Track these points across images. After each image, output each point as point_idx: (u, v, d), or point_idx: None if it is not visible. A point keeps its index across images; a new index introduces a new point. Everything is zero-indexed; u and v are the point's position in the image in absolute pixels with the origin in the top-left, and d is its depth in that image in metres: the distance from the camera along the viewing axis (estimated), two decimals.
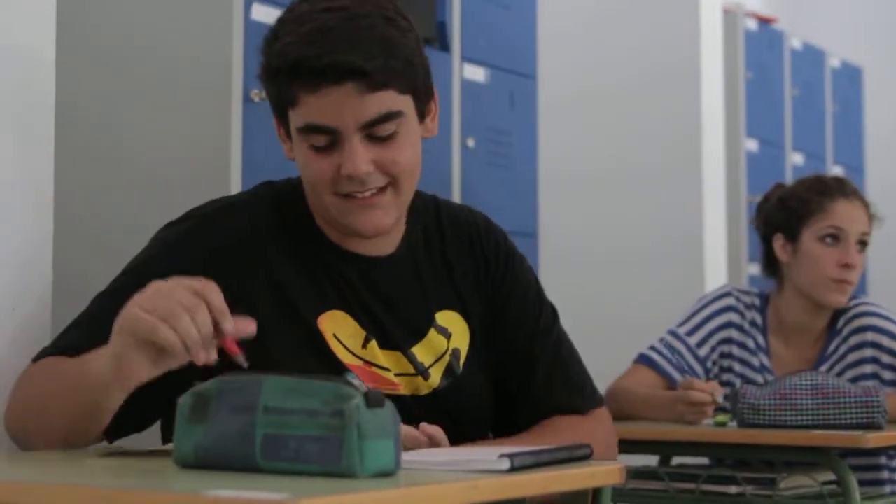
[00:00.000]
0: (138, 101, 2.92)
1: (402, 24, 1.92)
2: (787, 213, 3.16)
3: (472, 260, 2.09)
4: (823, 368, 3.10)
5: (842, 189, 3.15)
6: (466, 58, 3.52)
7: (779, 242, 3.17)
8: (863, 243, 3.15)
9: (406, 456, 1.57)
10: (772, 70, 5.37)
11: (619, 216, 4.77)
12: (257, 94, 2.84)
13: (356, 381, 1.50)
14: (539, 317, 2.11)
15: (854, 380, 3.06)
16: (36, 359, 1.91)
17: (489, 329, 2.08)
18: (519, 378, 2.07)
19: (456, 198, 3.38)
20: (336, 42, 1.86)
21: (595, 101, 4.84)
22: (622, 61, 4.85)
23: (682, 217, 4.69)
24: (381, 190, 1.93)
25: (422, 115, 1.97)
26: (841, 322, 3.16)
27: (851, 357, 3.14)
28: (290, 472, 1.47)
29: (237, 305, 1.73)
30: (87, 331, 1.89)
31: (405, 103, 1.92)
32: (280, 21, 1.94)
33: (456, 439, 1.90)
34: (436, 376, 2.02)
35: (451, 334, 2.05)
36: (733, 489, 2.80)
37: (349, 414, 1.46)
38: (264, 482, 1.42)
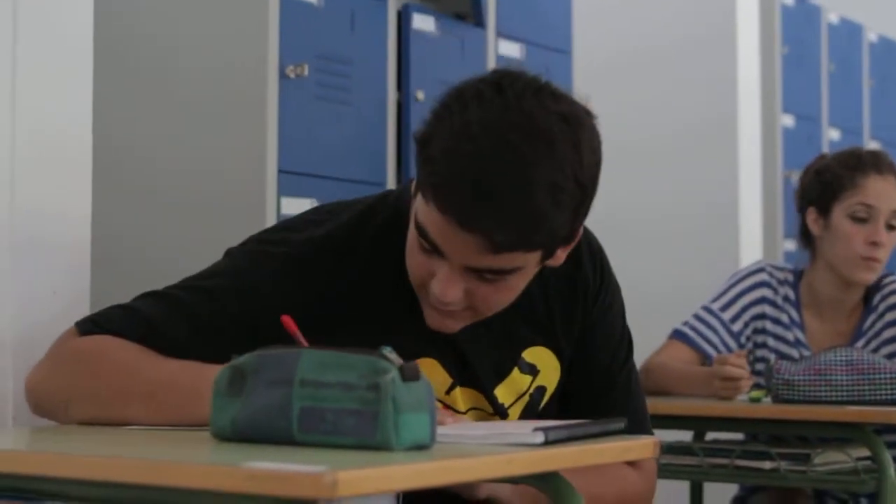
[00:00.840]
0: (176, 78, 2.94)
1: (566, 194, 1.72)
2: (821, 187, 3.14)
3: (571, 286, 1.99)
4: (859, 344, 3.10)
5: (876, 165, 3.12)
6: (502, 34, 3.52)
7: (811, 216, 3.15)
8: (891, 226, 3.10)
9: (441, 430, 1.58)
10: (809, 45, 5.33)
11: (655, 191, 4.76)
12: (293, 70, 2.85)
13: (392, 356, 1.50)
14: (618, 351, 2.05)
15: (890, 356, 3.06)
16: (86, 329, 1.87)
17: (570, 355, 2.02)
18: (586, 408, 1.99)
19: None
20: (487, 199, 1.68)
21: (630, 77, 4.82)
22: (657, 37, 4.83)
23: (718, 192, 4.67)
24: (463, 310, 1.83)
25: (550, 255, 1.81)
26: (876, 298, 3.15)
27: (887, 333, 3.13)
28: (325, 445, 1.49)
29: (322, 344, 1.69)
30: (154, 331, 1.85)
31: (529, 258, 1.77)
32: (461, 104, 1.74)
33: None
34: (514, 415, 1.98)
35: (538, 371, 1.99)
36: (767, 464, 2.80)
37: (385, 387, 1.47)
38: (300, 455, 1.44)
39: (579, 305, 2.00)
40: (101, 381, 1.81)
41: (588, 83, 3.84)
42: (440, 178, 1.71)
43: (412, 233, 1.82)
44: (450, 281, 1.77)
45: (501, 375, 1.98)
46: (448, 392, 1.94)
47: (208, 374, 1.70)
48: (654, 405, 2.48)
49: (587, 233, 2.04)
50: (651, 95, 4.80)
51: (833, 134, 5.42)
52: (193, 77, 2.92)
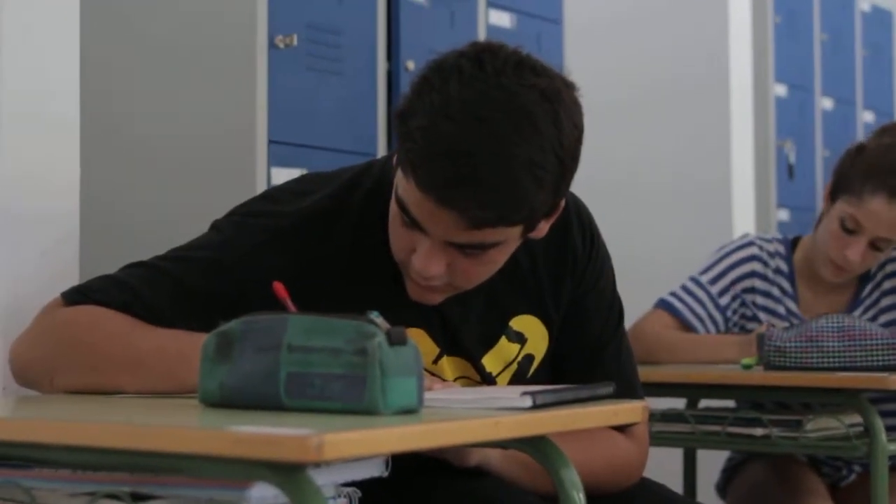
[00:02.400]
0: (163, 47, 2.93)
1: (546, 171, 1.72)
2: (842, 172, 3.06)
3: (560, 255, 1.99)
4: (856, 314, 3.09)
5: (892, 188, 2.95)
6: (492, 3, 3.51)
7: (826, 189, 3.10)
8: (876, 247, 3.00)
9: (429, 395, 1.58)
10: (801, 14, 5.32)
11: (647, 159, 4.75)
12: (282, 40, 2.84)
13: (379, 320, 1.50)
14: (609, 320, 2.05)
15: (887, 324, 3.05)
16: (71, 300, 1.87)
17: (560, 324, 2.02)
18: (577, 375, 1.97)
19: None
20: (465, 176, 1.68)
21: (620, 46, 4.81)
22: (648, 6, 4.82)
23: (710, 162, 4.67)
24: (444, 284, 1.84)
25: (532, 228, 1.82)
26: (874, 268, 3.14)
27: (885, 301, 3.13)
28: (313, 410, 1.49)
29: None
30: (140, 301, 1.85)
31: (510, 233, 1.78)
32: (441, 79, 1.73)
33: None
34: (502, 383, 1.97)
35: (526, 340, 2.00)
36: (759, 431, 2.80)
37: (372, 352, 1.47)
38: (288, 419, 1.44)
39: (568, 274, 2.00)
40: (88, 351, 1.81)
41: (578, 52, 3.84)
42: (419, 156, 1.71)
43: (393, 207, 1.82)
44: (431, 256, 1.78)
45: (489, 344, 1.98)
46: (435, 361, 1.94)
47: (196, 342, 1.69)
48: (647, 373, 2.48)
49: (576, 201, 2.03)
50: (642, 65, 4.79)
51: (826, 103, 5.41)
52: (182, 47, 2.91)
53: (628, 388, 2.01)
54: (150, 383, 1.77)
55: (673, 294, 3.14)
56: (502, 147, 1.70)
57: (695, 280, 3.16)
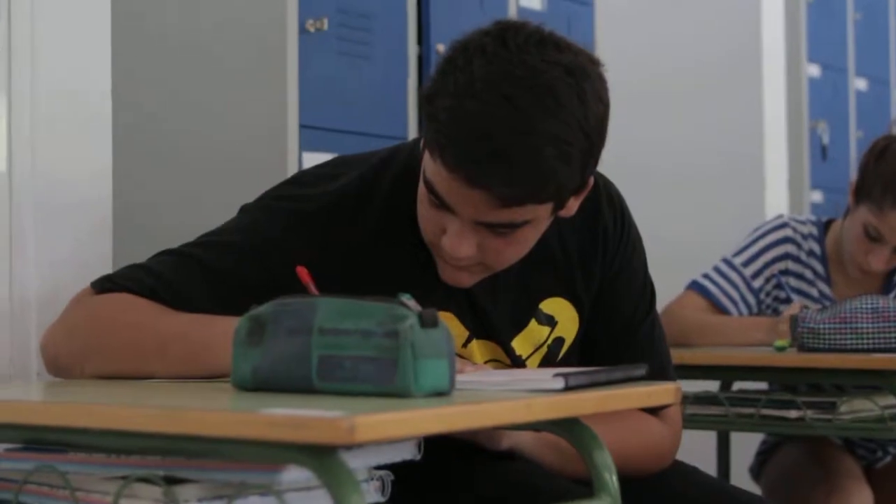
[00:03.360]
0: (194, 32, 2.93)
1: (573, 147, 1.72)
2: (865, 173, 3.04)
3: (590, 236, 1.98)
4: (891, 296, 3.07)
5: None
6: None
7: (852, 186, 3.08)
8: None
9: (460, 377, 1.58)
10: None
11: (680, 141, 4.73)
12: (312, 24, 2.84)
13: (410, 303, 1.50)
14: (641, 301, 2.03)
15: None
16: (101, 287, 1.88)
17: (591, 305, 2.00)
18: (609, 357, 1.97)
19: None
20: (493, 153, 1.68)
21: (652, 28, 4.79)
22: None
23: (743, 143, 4.65)
24: (476, 264, 1.83)
25: (561, 206, 1.81)
26: None
27: None
28: (345, 393, 1.49)
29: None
30: (169, 288, 1.85)
31: (539, 211, 1.77)
32: (466, 59, 1.73)
33: None
34: (532, 366, 1.97)
35: (556, 322, 1.98)
36: (793, 413, 2.79)
37: (403, 334, 1.47)
38: (319, 402, 1.44)
39: (599, 255, 1.99)
40: (115, 338, 1.82)
41: (609, 33, 3.83)
42: (446, 137, 1.71)
43: (422, 189, 1.81)
44: (461, 236, 1.77)
45: (519, 327, 1.97)
46: (465, 345, 1.93)
47: (218, 325, 1.72)
48: (680, 355, 2.47)
49: (607, 182, 2.02)
50: (674, 47, 4.77)
51: (860, 84, 5.37)
52: (213, 32, 2.91)
53: (660, 371, 1.99)
54: (175, 368, 1.77)
55: (705, 276, 3.13)
56: (528, 124, 1.69)
57: (728, 262, 3.14)
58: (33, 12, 2.13)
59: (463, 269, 1.84)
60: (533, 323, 1.97)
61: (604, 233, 1.99)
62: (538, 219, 1.80)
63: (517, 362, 1.96)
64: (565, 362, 1.99)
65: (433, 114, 1.73)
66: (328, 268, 1.80)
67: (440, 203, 1.77)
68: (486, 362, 1.96)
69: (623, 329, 2.02)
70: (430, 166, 1.77)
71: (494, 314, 1.95)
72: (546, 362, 1.98)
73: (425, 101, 1.76)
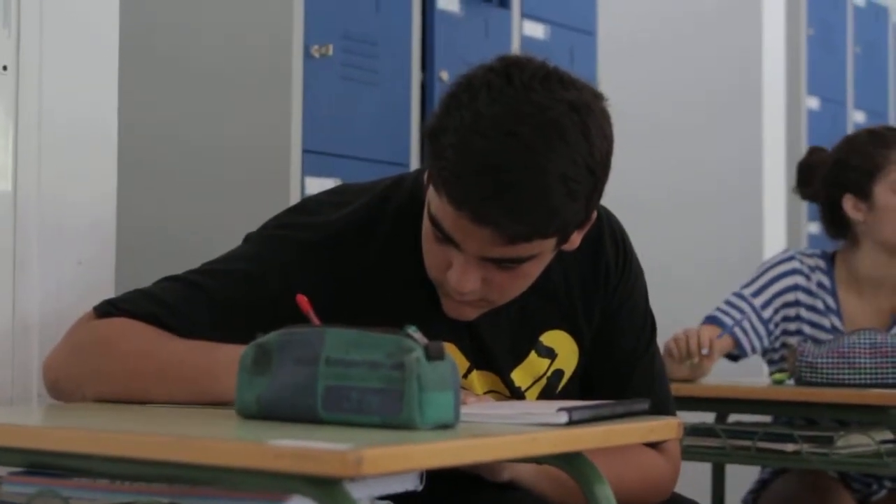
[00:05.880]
0: (200, 57, 2.94)
1: (578, 183, 1.72)
2: (854, 172, 3.12)
3: (592, 269, 1.98)
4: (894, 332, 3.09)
5: None
6: (526, 14, 3.51)
7: (849, 203, 3.11)
8: None
9: (464, 409, 1.58)
10: (834, 27, 5.31)
11: (679, 172, 4.75)
12: (318, 50, 2.85)
13: (417, 335, 1.51)
14: (641, 335, 2.03)
15: None
16: (103, 312, 1.89)
17: (592, 339, 2.00)
18: (609, 391, 1.97)
19: None
20: (499, 192, 1.68)
21: (653, 58, 4.81)
22: (682, 20, 4.81)
23: (742, 175, 4.66)
24: (479, 299, 1.83)
25: (565, 240, 1.82)
26: None
27: None
28: (350, 424, 1.49)
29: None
30: (172, 313, 1.85)
31: (545, 245, 1.78)
32: (470, 97, 1.73)
33: None
34: (531, 398, 1.97)
35: (556, 355, 1.98)
36: (790, 447, 2.79)
37: (410, 366, 1.47)
38: (325, 433, 1.44)
39: (601, 289, 1.99)
40: (116, 363, 1.82)
41: (611, 64, 3.84)
42: (452, 174, 1.71)
43: (426, 224, 1.82)
44: (466, 271, 1.78)
45: (518, 358, 1.97)
46: (465, 376, 1.93)
47: (220, 353, 1.73)
48: (677, 387, 2.47)
49: (609, 215, 2.03)
50: (675, 78, 4.79)
51: (858, 116, 5.39)
52: (218, 57, 2.92)
53: (661, 405, 1.99)
54: (174, 395, 1.78)
55: (718, 309, 3.15)
56: (534, 161, 1.69)
57: (738, 294, 3.16)
58: (42, 36, 2.13)
59: (466, 303, 1.84)
60: (533, 355, 1.98)
61: (606, 267, 1.99)
62: (543, 253, 1.80)
63: (516, 394, 1.97)
64: (564, 395, 1.99)
65: (438, 150, 1.73)
66: (330, 297, 1.80)
67: (445, 238, 1.77)
68: (485, 393, 1.96)
69: (623, 363, 2.02)
70: (434, 202, 1.77)
71: (495, 346, 1.95)
72: (545, 394, 1.98)
73: (429, 137, 1.77)
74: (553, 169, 1.70)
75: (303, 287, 1.72)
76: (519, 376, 1.97)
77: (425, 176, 1.83)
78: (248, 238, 1.97)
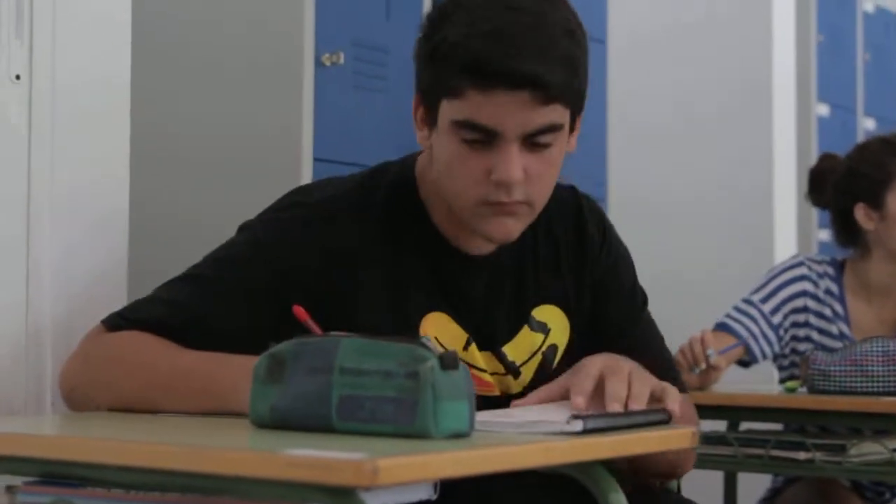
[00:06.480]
0: (211, 67, 2.94)
1: (581, 41, 1.85)
2: (866, 181, 3.11)
3: (577, 244, 2.04)
4: None
5: None
6: None
7: (861, 212, 3.12)
8: None
9: (479, 416, 1.58)
10: (844, 33, 5.31)
11: (690, 179, 4.75)
12: (328, 58, 2.85)
13: (430, 343, 1.51)
14: (632, 303, 2.07)
15: None
16: (112, 325, 1.90)
17: (584, 313, 2.03)
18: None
19: None
20: (522, 48, 1.78)
21: (663, 65, 4.81)
22: (692, 26, 4.81)
23: (753, 182, 4.66)
24: (521, 203, 1.87)
25: (571, 129, 1.90)
26: None
27: None
28: (364, 433, 1.49)
29: (343, 300, 1.82)
30: (179, 312, 1.88)
31: (566, 117, 1.85)
32: (456, 4, 1.85)
33: None
34: (527, 374, 1.98)
35: (549, 330, 2.01)
36: (802, 455, 2.79)
37: (424, 375, 1.47)
38: (340, 442, 1.44)
39: (587, 265, 2.03)
40: (127, 378, 1.84)
41: (621, 70, 3.84)
42: (473, 60, 1.79)
43: (451, 149, 1.85)
44: (511, 159, 1.82)
45: (511, 333, 1.99)
46: (465, 348, 1.94)
47: (232, 363, 1.76)
48: (689, 395, 2.46)
49: (587, 196, 2.09)
50: (685, 85, 4.79)
51: (868, 123, 5.39)
52: (229, 65, 2.92)
53: (663, 370, 1.97)
54: (186, 406, 1.79)
55: (727, 315, 3.14)
56: (539, 20, 1.81)
57: (746, 300, 3.16)
58: (54, 45, 2.13)
59: (510, 214, 1.86)
60: (525, 329, 1.99)
61: (590, 243, 2.04)
62: (563, 131, 1.86)
63: (511, 368, 1.98)
64: (560, 371, 1.97)
65: (448, 52, 1.81)
66: (331, 270, 1.85)
67: (485, 134, 1.81)
68: (491, 375, 1.97)
69: (620, 331, 2.04)
70: (459, 108, 1.81)
71: (489, 318, 1.97)
72: (541, 370, 1.99)
73: (429, 56, 1.85)
74: (556, 23, 1.82)
75: (304, 261, 1.83)
76: (511, 351, 1.98)
77: (418, 114, 1.94)
78: (244, 226, 1.99)
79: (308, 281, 1.85)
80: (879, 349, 2.75)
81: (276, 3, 2.87)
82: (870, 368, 2.74)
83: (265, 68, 2.87)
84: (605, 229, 2.06)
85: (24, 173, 2.11)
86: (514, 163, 1.82)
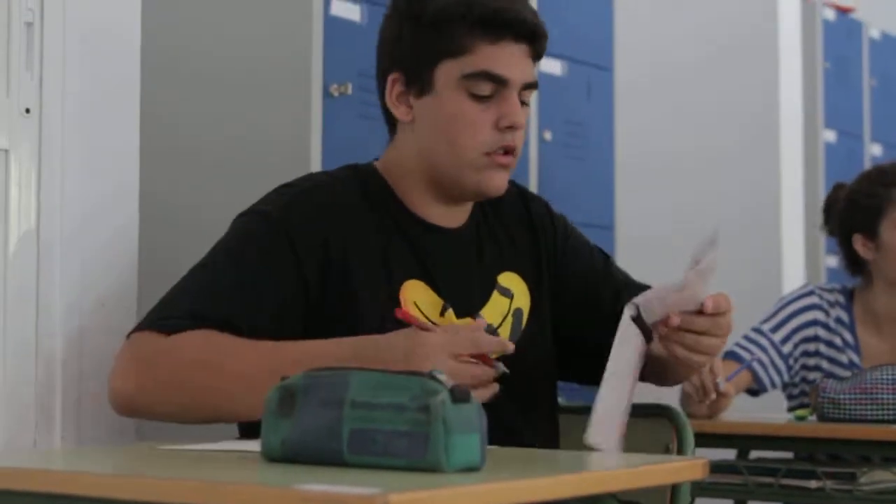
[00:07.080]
0: (220, 97, 2.95)
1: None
2: (861, 212, 3.13)
3: (527, 221, 2.21)
4: None
5: None
6: None
7: (859, 242, 3.13)
8: None
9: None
10: (850, 60, 5.31)
11: (697, 206, 4.74)
12: (336, 88, 2.86)
13: (442, 377, 1.51)
14: (595, 251, 2.27)
15: None
16: (169, 328, 1.92)
17: (552, 286, 2.20)
18: (587, 316, 2.19)
19: (533, 189, 3.39)
20: (522, 3, 2.07)
21: (671, 92, 4.81)
22: (699, 54, 4.82)
23: (760, 208, 4.66)
24: (511, 153, 2.06)
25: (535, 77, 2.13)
26: None
27: None
28: (376, 467, 1.49)
29: (341, 269, 1.97)
30: (204, 301, 1.95)
31: (535, 74, 2.10)
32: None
33: (525, 394, 2.04)
34: (503, 334, 2.10)
35: (513, 294, 2.15)
36: (813, 483, 2.79)
37: (435, 409, 1.47)
38: (351, 476, 1.44)
39: (540, 236, 2.21)
40: (187, 384, 1.88)
41: (628, 99, 3.85)
42: (480, 17, 2.02)
43: (455, 106, 2.03)
44: (518, 105, 2.05)
45: (484, 299, 2.11)
46: (442, 314, 2.04)
47: (283, 353, 1.88)
48: (698, 424, 2.47)
49: (523, 187, 2.30)
50: (692, 111, 4.79)
51: (875, 149, 5.39)
52: (237, 96, 2.93)
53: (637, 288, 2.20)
54: (244, 412, 1.86)
55: (737, 344, 3.14)
56: None
57: (756, 329, 3.16)
58: (64, 79, 2.15)
59: (506, 167, 2.06)
60: (496, 294, 2.13)
61: (539, 217, 2.23)
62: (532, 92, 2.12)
63: (490, 331, 2.01)
64: (528, 333, 2.13)
65: (451, 15, 2.02)
66: (329, 241, 1.99)
67: (495, 84, 2.03)
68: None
69: (592, 290, 2.23)
70: (466, 62, 2.03)
71: (462, 288, 2.08)
72: (513, 332, 2.12)
73: (419, 24, 2.05)
74: None
75: (311, 227, 1.98)
76: (488, 314, 2.10)
77: (405, 91, 2.14)
78: (242, 215, 2.10)
79: (315, 247, 1.98)
80: (889, 377, 2.75)
81: (286, 36, 2.88)
82: (880, 396, 2.74)
83: (275, 98, 2.88)
84: (547, 204, 2.27)
85: (33, 207, 2.12)
86: (520, 109, 2.05)
